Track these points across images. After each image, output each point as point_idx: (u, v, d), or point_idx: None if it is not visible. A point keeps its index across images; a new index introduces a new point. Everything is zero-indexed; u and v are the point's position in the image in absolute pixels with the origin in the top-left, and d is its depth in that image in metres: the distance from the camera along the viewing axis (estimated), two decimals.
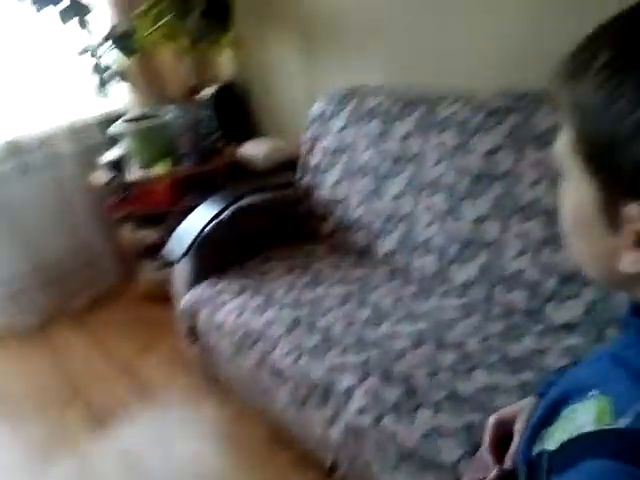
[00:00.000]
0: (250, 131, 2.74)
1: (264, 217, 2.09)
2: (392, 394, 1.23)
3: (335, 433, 1.31)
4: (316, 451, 1.54)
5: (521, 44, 1.61)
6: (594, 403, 0.45)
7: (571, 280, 1.34)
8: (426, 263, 1.67)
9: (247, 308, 1.66)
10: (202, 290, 1.83)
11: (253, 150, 2.53)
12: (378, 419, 1.20)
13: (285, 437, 1.71)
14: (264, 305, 1.66)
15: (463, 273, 1.56)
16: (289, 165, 2.38)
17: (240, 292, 1.75)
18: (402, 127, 1.77)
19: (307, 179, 2.10)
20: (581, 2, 1.36)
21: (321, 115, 2.06)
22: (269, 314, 1.61)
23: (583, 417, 0.45)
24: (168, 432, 1.87)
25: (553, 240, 1.36)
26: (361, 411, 1.23)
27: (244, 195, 2.08)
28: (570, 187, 0.47)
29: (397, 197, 1.76)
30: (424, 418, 1.15)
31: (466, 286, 1.54)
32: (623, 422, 0.41)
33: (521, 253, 1.43)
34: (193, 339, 1.88)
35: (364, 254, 1.88)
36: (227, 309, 1.69)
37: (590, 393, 0.46)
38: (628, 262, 0.41)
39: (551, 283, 1.37)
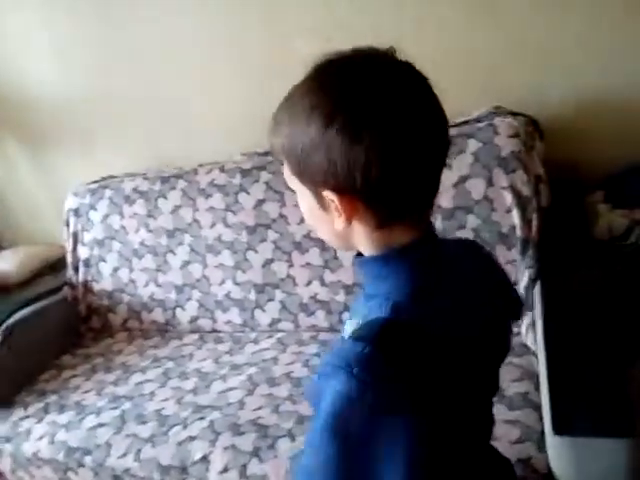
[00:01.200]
0: None
1: (42, 328, 1.91)
2: (248, 441, 1.28)
3: None
4: None
5: (250, 107, 1.84)
6: (347, 324, 0.67)
7: (353, 289, 1.60)
8: (231, 317, 1.77)
9: (59, 426, 1.50)
10: None
11: (0, 264, 2.28)
12: (243, 470, 1.23)
13: None
14: (78, 416, 1.52)
15: (267, 315, 1.70)
16: (50, 269, 2.23)
17: (44, 413, 1.58)
18: (169, 202, 1.85)
19: (80, 276, 2.01)
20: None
21: (77, 210, 2.00)
22: (87, 423, 1.49)
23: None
24: None
25: (331, 262, 1.61)
26: (225, 470, 1.24)
27: (11, 313, 1.87)
28: (300, 199, 0.67)
29: (184, 266, 1.82)
30: (285, 448, 1.23)
31: (274, 324, 1.69)
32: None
33: (309, 281, 1.65)
34: None
35: (166, 330, 1.88)
36: (35, 436, 1.50)
37: (346, 318, 0.69)
38: (338, 224, 0.62)
39: (340, 297, 1.61)
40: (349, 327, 0.65)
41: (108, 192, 1.95)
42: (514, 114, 1.46)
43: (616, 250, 1.50)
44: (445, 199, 1.44)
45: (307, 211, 0.67)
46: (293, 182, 0.65)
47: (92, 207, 1.96)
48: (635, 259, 1.50)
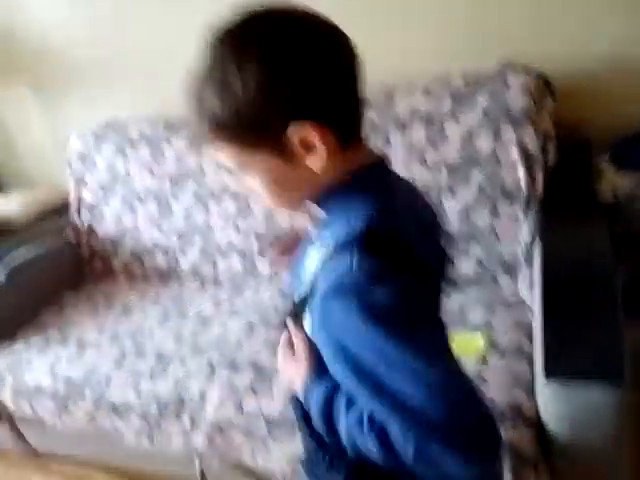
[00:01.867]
0: None
1: (45, 268, 1.94)
2: (244, 379, 1.31)
3: (198, 439, 1.32)
4: (179, 472, 1.52)
5: None
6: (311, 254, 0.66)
7: None
8: (232, 265, 1.78)
9: (61, 359, 1.54)
10: None
11: (5, 206, 2.28)
12: (239, 405, 1.27)
13: (141, 477, 1.63)
14: (79, 350, 1.56)
15: (264, 265, 1.72)
16: (53, 213, 2.24)
17: (45, 347, 1.61)
18: (173, 148, 1.84)
19: (84, 219, 2.01)
20: None
21: (81, 154, 1.99)
22: (89, 357, 1.52)
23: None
24: None
25: None
26: (220, 405, 1.28)
27: (15, 252, 1.89)
28: (252, 177, 0.64)
29: (187, 213, 1.83)
30: (281, 386, 1.26)
31: (272, 275, 1.71)
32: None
33: None
34: None
35: (168, 276, 1.90)
36: (36, 368, 1.53)
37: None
38: (313, 163, 0.61)
39: None
40: (315, 254, 0.64)
41: (112, 136, 1.94)
42: (526, 70, 1.44)
43: (618, 212, 1.51)
44: (451, 153, 1.43)
45: (267, 184, 0.64)
46: (241, 160, 0.63)
47: (96, 151, 1.96)
48: (637, 221, 1.51)
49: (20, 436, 1.75)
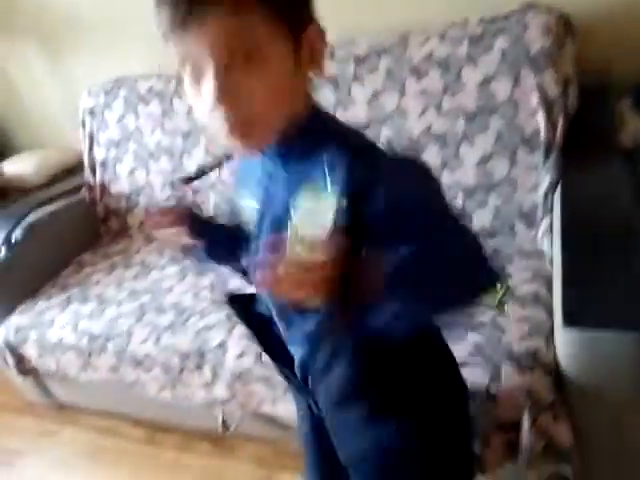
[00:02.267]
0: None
1: (61, 227, 1.95)
2: None
3: (220, 390, 1.35)
4: (201, 421, 1.57)
5: None
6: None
7: None
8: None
9: (82, 316, 1.57)
10: (19, 317, 1.66)
11: (19, 167, 2.29)
12: (259, 355, 1.29)
13: (162, 427, 1.69)
14: (99, 307, 1.59)
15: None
16: (66, 173, 2.25)
17: (66, 304, 1.64)
18: (184, 102, 1.82)
19: (98, 177, 2.02)
20: None
21: (92, 110, 1.98)
22: (109, 313, 1.55)
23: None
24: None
25: None
26: (240, 355, 1.30)
27: (29, 212, 1.90)
28: (266, 65, 0.56)
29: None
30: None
31: None
32: None
33: None
34: (24, 374, 1.70)
35: None
36: (59, 324, 1.57)
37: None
38: (313, 74, 0.61)
39: None
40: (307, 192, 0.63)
41: (123, 91, 1.92)
42: (547, 10, 1.38)
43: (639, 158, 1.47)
44: (468, 100, 1.39)
45: (275, 84, 0.58)
46: (264, 42, 0.55)
47: (107, 107, 1.94)
48: None
49: (46, 390, 1.81)
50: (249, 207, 0.73)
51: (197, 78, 0.58)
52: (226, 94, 0.56)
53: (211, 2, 0.53)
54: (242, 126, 0.59)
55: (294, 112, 0.62)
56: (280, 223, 0.66)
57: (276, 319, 0.75)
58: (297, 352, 0.76)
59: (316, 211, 0.62)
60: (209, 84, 0.56)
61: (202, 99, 0.58)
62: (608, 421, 1.03)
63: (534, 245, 1.37)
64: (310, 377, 0.76)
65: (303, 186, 0.63)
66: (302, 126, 0.63)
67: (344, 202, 0.59)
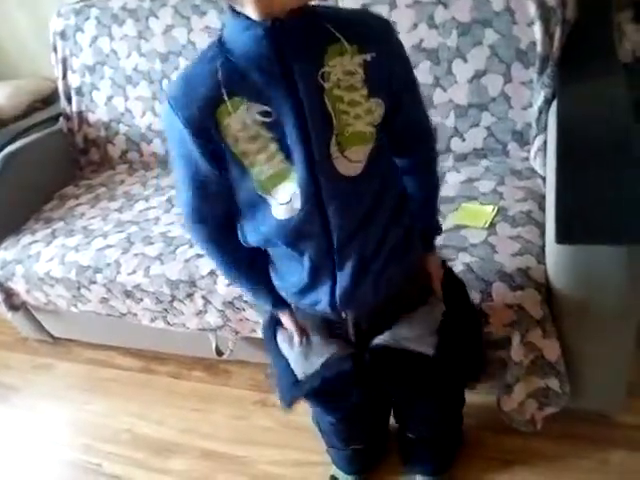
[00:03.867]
0: None
1: (41, 159, 1.88)
2: None
3: (212, 317, 1.36)
4: (195, 349, 1.59)
5: None
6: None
7: None
8: None
9: (69, 248, 1.54)
10: (4, 252, 1.63)
11: None
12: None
13: (157, 356, 1.71)
14: (86, 239, 1.56)
15: None
16: (42, 103, 2.15)
17: (52, 237, 1.61)
18: (160, 21, 1.71)
19: (74, 106, 1.93)
20: None
21: (63, 33, 1.86)
22: (96, 245, 1.52)
23: None
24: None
25: None
26: (230, 284, 1.29)
27: (9, 142, 1.82)
28: None
29: None
30: None
31: None
32: None
33: None
34: (14, 309, 1.70)
35: (167, 161, 1.85)
36: (46, 258, 1.54)
37: None
38: None
39: None
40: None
41: (94, 11, 1.79)
42: None
43: (638, 73, 1.42)
44: (462, 10, 1.32)
45: None
46: None
47: (79, 29, 1.82)
48: None
49: (38, 325, 1.81)
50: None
51: None
52: None
53: None
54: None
55: None
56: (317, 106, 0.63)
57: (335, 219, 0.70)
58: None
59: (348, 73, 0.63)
60: None
61: None
62: (596, 334, 1.04)
63: (528, 164, 1.34)
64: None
65: (323, 56, 0.63)
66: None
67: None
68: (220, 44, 0.64)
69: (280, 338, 0.91)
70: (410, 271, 0.82)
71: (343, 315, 0.82)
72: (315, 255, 0.73)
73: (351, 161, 0.66)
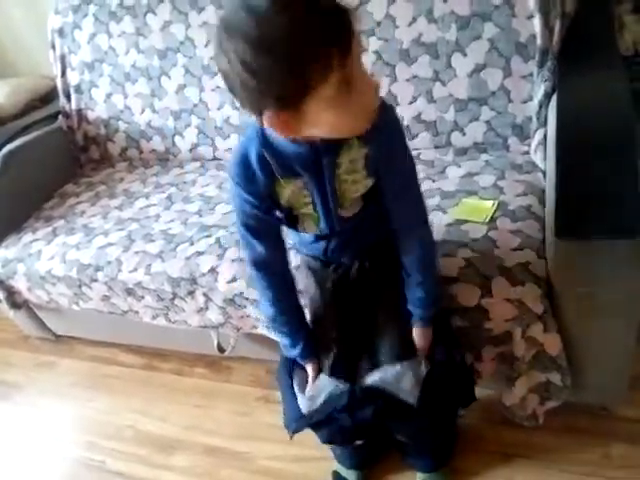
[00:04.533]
0: None
1: (41, 157, 1.88)
2: None
3: (213, 314, 1.36)
4: (197, 346, 1.59)
5: None
6: None
7: None
8: (232, 144, 1.73)
9: (69, 247, 1.54)
10: (5, 251, 1.63)
11: None
12: (250, 280, 1.28)
13: (159, 354, 1.72)
14: (87, 237, 1.56)
15: None
16: (42, 101, 2.15)
17: (53, 235, 1.61)
18: (157, 18, 1.70)
19: (73, 104, 1.92)
20: None
21: (61, 30, 1.85)
22: (97, 243, 1.52)
23: None
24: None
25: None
26: (232, 280, 1.29)
27: (8, 140, 1.82)
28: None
29: (180, 90, 1.73)
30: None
31: None
32: None
33: None
34: (16, 307, 1.70)
35: (167, 158, 1.85)
36: (47, 256, 1.54)
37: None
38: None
39: None
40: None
41: (92, 8, 1.79)
42: None
43: (638, 65, 1.42)
44: (460, 4, 1.31)
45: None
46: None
47: (77, 26, 1.82)
48: None
49: (40, 322, 1.82)
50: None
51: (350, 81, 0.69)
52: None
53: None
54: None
55: None
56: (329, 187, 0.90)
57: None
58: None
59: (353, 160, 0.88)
60: (365, 72, 0.74)
61: (361, 87, 0.72)
62: (597, 328, 1.04)
63: (528, 159, 1.34)
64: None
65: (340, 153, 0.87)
66: None
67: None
68: (262, 135, 0.83)
69: (296, 381, 1.05)
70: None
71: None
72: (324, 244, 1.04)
73: (348, 211, 0.95)
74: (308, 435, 1.05)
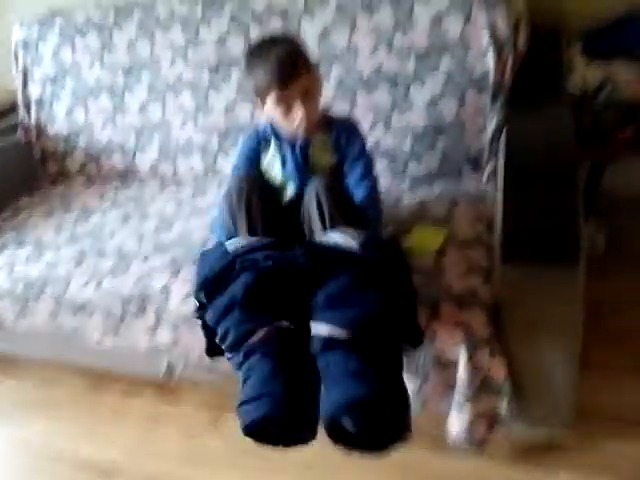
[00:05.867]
0: None
1: None
2: None
3: (163, 335, 1.33)
4: (145, 368, 1.54)
5: None
6: None
7: None
8: (193, 163, 1.72)
9: (17, 261, 1.50)
10: None
11: None
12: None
13: (106, 375, 1.66)
14: (36, 252, 1.52)
15: (226, 163, 1.66)
16: (5, 112, 2.11)
17: (2, 247, 1.56)
18: (124, 35, 1.71)
19: (33, 117, 1.89)
20: None
21: (25, 42, 1.84)
22: (47, 258, 1.48)
23: None
24: None
25: None
26: (184, 299, 1.27)
27: None
28: (316, 96, 1.20)
29: (143, 107, 1.73)
30: None
31: None
32: None
33: None
34: None
35: (127, 175, 1.83)
36: None
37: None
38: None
39: None
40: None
41: (58, 22, 1.79)
42: None
43: (586, 105, 1.48)
44: (420, 38, 1.36)
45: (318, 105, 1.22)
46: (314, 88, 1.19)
47: (41, 39, 1.81)
48: (601, 116, 1.48)
49: None
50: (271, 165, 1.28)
51: (289, 105, 1.15)
52: (306, 110, 1.15)
53: (298, 74, 1.13)
54: (309, 124, 1.18)
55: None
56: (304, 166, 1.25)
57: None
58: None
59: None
60: (299, 106, 1.14)
61: (293, 114, 1.16)
62: (539, 355, 1.06)
63: (480, 188, 1.38)
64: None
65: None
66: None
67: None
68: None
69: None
70: None
71: None
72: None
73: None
74: (258, 460, 1.02)
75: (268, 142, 1.27)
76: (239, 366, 0.96)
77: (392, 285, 0.98)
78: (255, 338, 0.93)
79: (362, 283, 0.96)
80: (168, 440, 1.45)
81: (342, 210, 1.08)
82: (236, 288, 0.98)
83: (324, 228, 1.08)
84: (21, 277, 1.45)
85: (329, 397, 0.87)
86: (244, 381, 0.93)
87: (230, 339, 0.96)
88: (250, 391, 0.90)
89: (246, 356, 0.94)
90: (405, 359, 1.01)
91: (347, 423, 0.86)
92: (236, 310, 0.96)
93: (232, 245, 1.06)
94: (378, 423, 0.86)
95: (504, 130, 1.30)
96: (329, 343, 0.91)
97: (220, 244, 1.09)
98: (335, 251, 1.00)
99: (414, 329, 1.01)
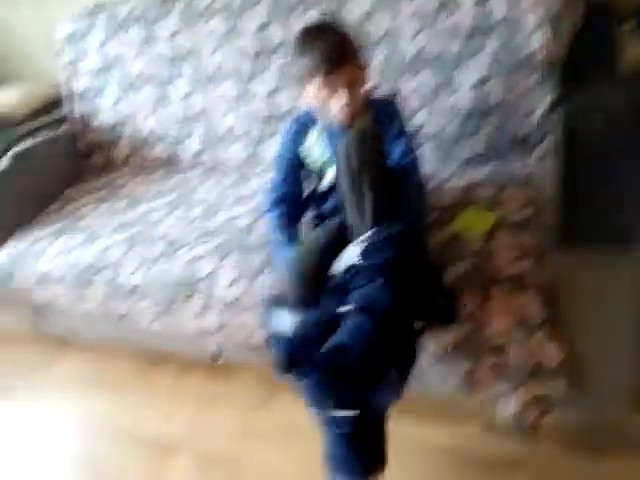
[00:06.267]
0: None
1: (44, 162, 1.89)
2: (255, 260, 1.31)
3: (211, 319, 1.36)
4: (195, 350, 1.58)
5: None
6: None
7: None
8: (236, 151, 1.74)
9: (72, 247, 1.55)
10: (10, 248, 1.63)
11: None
12: (249, 284, 1.28)
13: (159, 356, 1.71)
14: (89, 238, 1.56)
15: (269, 150, 1.67)
16: (50, 106, 2.17)
17: (57, 235, 1.62)
18: (166, 26, 1.73)
19: (79, 109, 1.94)
20: None
21: (72, 37, 1.88)
22: (99, 244, 1.53)
23: None
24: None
25: None
26: (230, 285, 1.29)
27: (10, 145, 1.83)
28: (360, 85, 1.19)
29: (186, 97, 1.75)
30: None
31: None
32: None
33: None
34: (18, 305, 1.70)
35: (171, 164, 1.87)
36: (50, 255, 1.54)
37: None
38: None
39: None
40: None
41: (102, 17, 1.82)
42: None
43: (638, 83, 1.43)
44: (465, 18, 1.33)
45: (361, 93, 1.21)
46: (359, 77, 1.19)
47: (86, 34, 1.85)
48: None
49: (41, 322, 1.80)
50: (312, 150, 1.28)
51: (333, 92, 1.15)
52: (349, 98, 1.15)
53: (345, 63, 1.14)
54: (351, 111, 1.17)
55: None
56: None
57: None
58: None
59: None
60: (342, 93, 1.14)
61: (336, 100, 1.16)
62: (599, 339, 1.04)
63: (528, 170, 1.35)
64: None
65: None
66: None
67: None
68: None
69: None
70: None
71: None
72: None
73: None
74: (308, 438, 1.03)
75: (309, 128, 1.28)
76: None
77: (400, 280, 1.00)
78: None
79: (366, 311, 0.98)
80: (222, 418, 1.49)
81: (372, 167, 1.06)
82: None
83: (358, 198, 1.05)
84: (75, 263, 1.50)
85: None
86: None
87: None
88: None
89: None
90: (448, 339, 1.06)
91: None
92: None
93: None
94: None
95: (558, 111, 1.27)
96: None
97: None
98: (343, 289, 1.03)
99: (437, 311, 1.05)
